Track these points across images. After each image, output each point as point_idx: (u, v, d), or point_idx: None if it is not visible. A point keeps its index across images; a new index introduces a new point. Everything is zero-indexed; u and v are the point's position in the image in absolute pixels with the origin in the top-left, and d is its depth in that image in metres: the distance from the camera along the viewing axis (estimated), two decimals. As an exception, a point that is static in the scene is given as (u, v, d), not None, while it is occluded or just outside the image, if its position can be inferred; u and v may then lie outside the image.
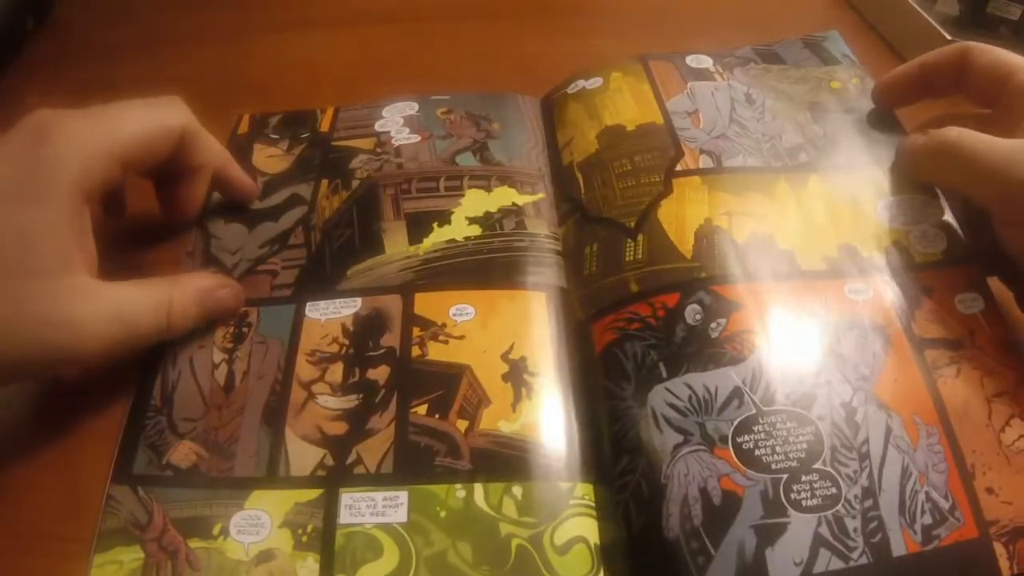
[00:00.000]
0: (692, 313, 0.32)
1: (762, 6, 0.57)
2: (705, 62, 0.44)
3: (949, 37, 0.48)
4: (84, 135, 0.30)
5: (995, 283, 0.33)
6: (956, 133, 0.32)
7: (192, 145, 0.35)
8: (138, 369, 0.35)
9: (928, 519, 0.27)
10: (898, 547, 0.26)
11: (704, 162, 0.38)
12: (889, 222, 0.34)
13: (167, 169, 0.36)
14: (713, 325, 0.32)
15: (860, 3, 0.56)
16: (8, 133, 0.30)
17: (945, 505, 0.27)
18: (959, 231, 0.34)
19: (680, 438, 0.29)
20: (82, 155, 0.30)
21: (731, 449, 0.28)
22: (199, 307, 0.34)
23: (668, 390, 0.30)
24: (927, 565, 0.26)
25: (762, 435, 0.28)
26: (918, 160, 0.35)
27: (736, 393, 0.30)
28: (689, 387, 0.30)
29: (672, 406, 0.30)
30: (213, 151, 0.37)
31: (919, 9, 0.50)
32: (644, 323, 0.32)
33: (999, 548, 0.26)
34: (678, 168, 0.38)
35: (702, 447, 0.29)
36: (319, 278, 0.37)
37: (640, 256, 0.35)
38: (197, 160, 0.36)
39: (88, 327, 0.29)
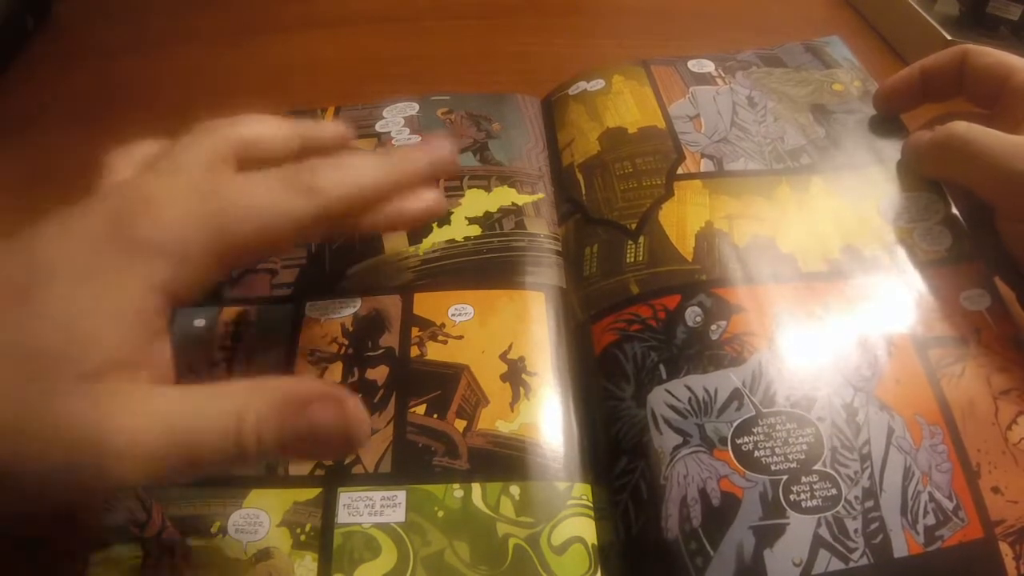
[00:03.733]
0: (692, 315, 0.32)
1: (761, 6, 0.57)
2: (707, 66, 0.44)
3: (949, 37, 0.48)
4: (180, 223, 0.23)
5: (998, 282, 0.33)
6: (964, 126, 0.32)
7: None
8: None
9: (931, 520, 0.26)
10: (900, 548, 0.26)
11: (705, 166, 0.38)
12: (893, 220, 0.34)
13: None
14: (713, 327, 0.31)
15: (860, 3, 0.56)
16: (88, 202, 0.24)
17: (949, 505, 0.27)
18: (965, 226, 0.34)
19: (679, 439, 0.29)
20: (174, 253, 0.23)
21: (730, 450, 0.28)
22: (281, 428, 0.23)
23: (668, 391, 0.30)
24: (930, 566, 0.26)
25: (761, 436, 0.28)
26: (925, 154, 0.35)
27: (736, 395, 0.30)
28: (689, 389, 0.30)
29: (672, 407, 0.30)
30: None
31: (919, 9, 0.50)
32: (644, 325, 0.32)
33: (1005, 548, 0.26)
34: (679, 171, 0.38)
35: (701, 448, 0.28)
36: (319, 278, 0.37)
37: (641, 258, 0.35)
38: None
39: (128, 447, 0.21)
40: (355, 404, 0.23)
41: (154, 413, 0.22)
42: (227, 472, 0.28)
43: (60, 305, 0.22)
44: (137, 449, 0.21)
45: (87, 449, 0.21)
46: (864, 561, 0.26)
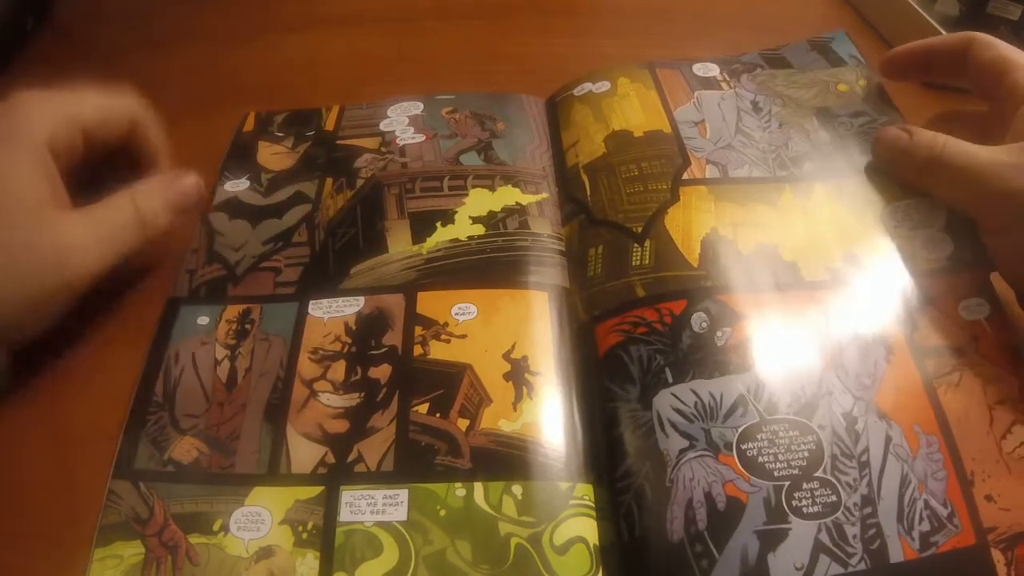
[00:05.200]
0: (698, 321, 0.32)
1: (762, 6, 0.57)
2: (712, 70, 0.44)
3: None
4: (50, 106, 0.34)
5: (996, 279, 0.32)
6: (941, 142, 0.32)
7: (142, 133, 0.38)
8: (141, 364, 0.35)
9: (926, 526, 0.27)
10: (896, 554, 0.26)
11: (710, 172, 0.38)
12: (895, 227, 0.34)
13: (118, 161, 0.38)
14: (719, 334, 0.32)
15: (860, 3, 0.56)
16: None
17: (943, 512, 0.27)
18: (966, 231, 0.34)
19: (686, 443, 0.29)
20: (49, 120, 0.33)
21: (735, 456, 0.29)
22: (165, 203, 0.37)
23: (674, 395, 0.30)
24: (924, 572, 0.26)
25: (765, 443, 0.29)
26: (903, 166, 0.35)
27: (740, 401, 0.30)
28: (695, 393, 0.30)
29: (678, 411, 0.30)
30: (158, 142, 0.39)
31: (919, 9, 0.50)
32: (650, 328, 0.32)
33: (997, 555, 0.26)
34: (685, 177, 0.38)
35: (707, 453, 0.29)
36: (322, 276, 0.37)
37: (646, 262, 0.35)
38: (145, 147, 0.38)
39: (77, 250, 0.32)
40: (192, 173, 0.39)
41: (81, 225, 0.33)
42: (137, 248, 0.35)
43: None
44: (81, 252, 0.32)
45: (43, 262, 0.31)
46: (862, 566, 0.26)
